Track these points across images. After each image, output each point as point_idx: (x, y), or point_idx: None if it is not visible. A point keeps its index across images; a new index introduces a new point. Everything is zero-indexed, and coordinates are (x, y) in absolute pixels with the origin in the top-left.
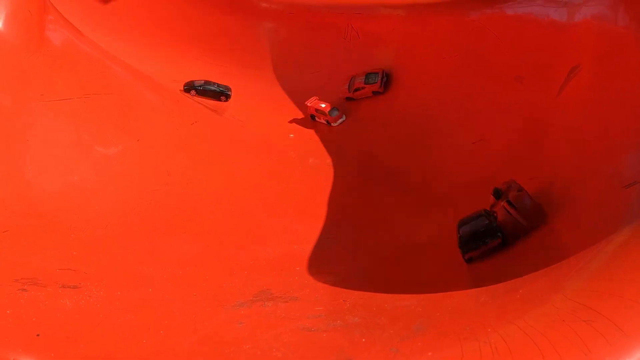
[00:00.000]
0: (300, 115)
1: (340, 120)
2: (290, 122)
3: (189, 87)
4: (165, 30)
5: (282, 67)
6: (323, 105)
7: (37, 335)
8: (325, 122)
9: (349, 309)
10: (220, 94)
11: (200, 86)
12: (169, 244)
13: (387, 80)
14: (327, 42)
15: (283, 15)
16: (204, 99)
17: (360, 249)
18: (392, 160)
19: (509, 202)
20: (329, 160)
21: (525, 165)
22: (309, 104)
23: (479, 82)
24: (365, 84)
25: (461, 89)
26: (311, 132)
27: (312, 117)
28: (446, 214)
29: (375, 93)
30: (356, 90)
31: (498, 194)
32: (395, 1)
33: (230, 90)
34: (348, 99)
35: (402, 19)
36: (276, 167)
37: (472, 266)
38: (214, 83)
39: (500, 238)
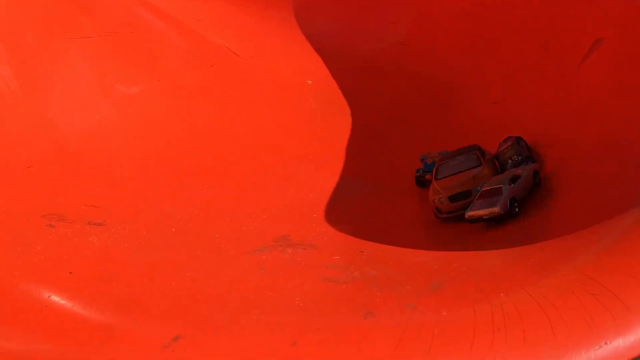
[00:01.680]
0: (319, 60)
1: None
2: (309, 66)
3: None
4: None
5: (303, 10)
6: None
7: (70, 273)
8: None
9: (367, 261)
10: None
11: None
12: (189, 185)
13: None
14: None
15: None
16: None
17: (377, 202)
18: (412, 115)
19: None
20: (348, 110)
21: (544, 131)
22: None
23: (502, 44)
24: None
25: (484, 49)
26: (330, 79)
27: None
28: None
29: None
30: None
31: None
32: None
33: None
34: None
35: None
36: (296, 114)
37: (487, 230)
38: None
39: None
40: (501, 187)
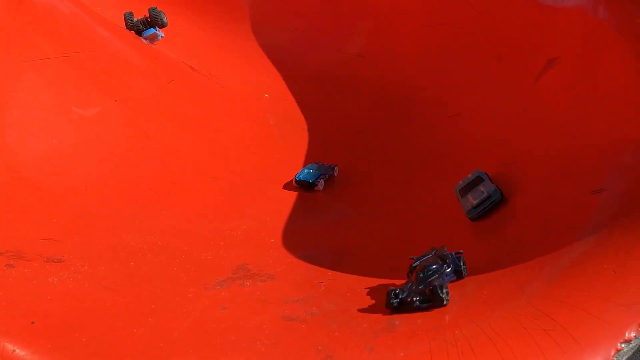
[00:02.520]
0: (276, 73)
1: None
2: (267, 80)
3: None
4: None
5: (260, 23)
6: None
7: (32, 322)
8: None
9: (324, 292)
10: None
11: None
12: (148, 211)
13: None
14: (307, 0)
15: None
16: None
17: (335, 223)
18: (370, 129)
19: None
20: (305, 125)
21: (498, 147)
22: None
23: (459, 56)
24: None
25: (441, 61)
26: (287, 93)
27: None
28: (418, 183)
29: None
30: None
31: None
32: None
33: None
34: None
35: None
36: (253, 131)
37: None
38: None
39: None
40: None
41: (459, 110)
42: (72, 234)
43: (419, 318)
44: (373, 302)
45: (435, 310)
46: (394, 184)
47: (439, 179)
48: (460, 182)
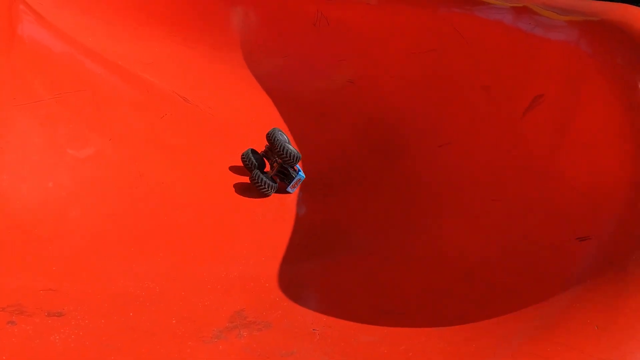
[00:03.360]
0: (269, 101)
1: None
2: (259, 109)
3: None
4: (131, 8)
5: (250, 50)
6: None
7: None
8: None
9: (319, 342)
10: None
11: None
12: (143, 255)
13: None
14: (297, 28)
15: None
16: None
17: (330, 264)
18: (360, 159)
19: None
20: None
21: (489, 184)
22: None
23: (448, 86)
24: None
25: (428, 90)
26: (279, 119)
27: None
28: (410, 216)
29: None
30: None
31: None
32: None
33: None
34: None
35: (372, 8)
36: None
37: (436, 303)
38: None
39: None
40: None
41: (448, 139)
42: (71, 282)
43: None
44: (366, 352)
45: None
46: (387, 218)
47: (432, 214)
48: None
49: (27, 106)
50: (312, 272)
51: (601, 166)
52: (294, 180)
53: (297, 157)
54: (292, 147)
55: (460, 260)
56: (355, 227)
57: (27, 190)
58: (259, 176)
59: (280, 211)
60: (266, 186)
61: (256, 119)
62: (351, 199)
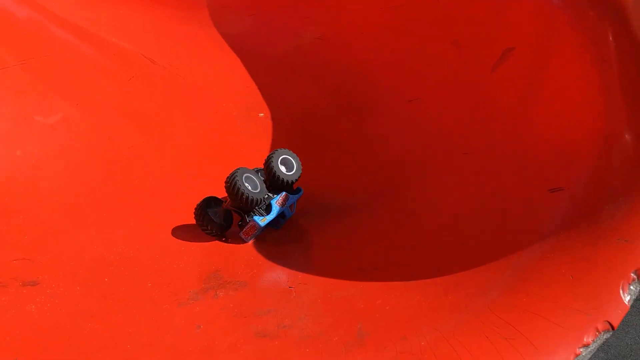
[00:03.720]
0: (237, 61)
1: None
2: (227, 69)
3: None
4: None
5: (217, 9)
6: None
7: None
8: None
9: (295, 300)
10: None
11: None
12: (116, 221)
13: None
14: None
15: None
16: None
17: (303, 218)
18: (332, 116)
19: None
20: (269, 114)
21: (458, 137)
22: None
23: (417, 42)
24: None
25: (398, 47)
26: (249, 81)
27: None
28: (382, 175)
29: None
30: None
31: None
32: None
33: None
34: None
35: None
36: (217, 125)
37: (409, 258)
38: None
39: None
40: None
41: (418, 95)
42: (44, 251)
43: (387, 329)
44: (342, 307)
45: (404, 318)
46: (359, 178)
47: (403, 171)
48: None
49: None
50: (286, 232)
51: (573, 119)
52: (247, 226)
53: (256, 202)
54: (253, 191)
55: (433, 216)
56: (327, 187)
57: None
58: (200, 211)
59: (253, 163)
60: (209, 228)
61: (224, 79)
62: (322, 157)
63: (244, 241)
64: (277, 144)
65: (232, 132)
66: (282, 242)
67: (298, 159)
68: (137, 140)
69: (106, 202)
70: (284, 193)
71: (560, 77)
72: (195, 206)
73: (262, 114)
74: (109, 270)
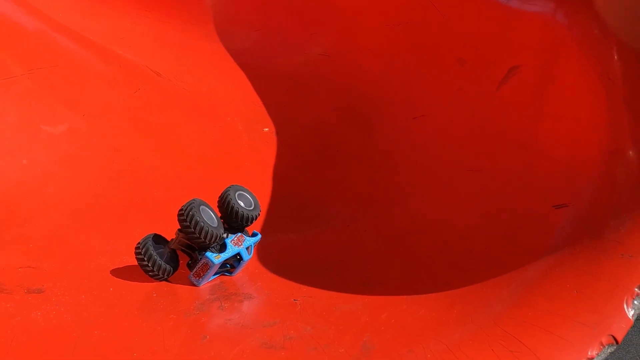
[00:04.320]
0: (242, 75)
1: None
2: (233, 83)
3: None
4: None
5: (223, 24)
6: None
7: None
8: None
9: (300, 312)
10: None
11: None
12: (122, 230)
13: None
14: (269, 1)
15: None
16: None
17: (309, 232)
18: (336, 131)
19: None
20: (274, 129)
21: (465, 155)
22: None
23: (422, 60)
24: None
25: (403, 64)
26: (254, 96)
27: None
28: (387, 189)
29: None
30: None
31: None
32: None
33: None
34: None
35: None
36: (222, 138)
37: (415, 272)
38: None
39: None
40: None
41: (423, 111)
42: (49, 259)
43: (392, 341)
44: (348, 321)
45: (410, 331)
46: (365, 191)
47: (410, 186)
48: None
49: (1, 83)
50: (291, 244)
51: (578, 136)
52: (198, 265)
53: (213, 237)
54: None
55: (439, 231)
56: (333, 200)
57: (2, 168)
58: (147, 252)
59: (256, 184)
60: (155, 269)
61: (230, 93)
62: (327, 172)
63: (194, 284)
64: (282, 158)
65: (236, 146)
66: (287, 255)
67: (254, 195)
68: (143, 152)
69: (111, 211)
70: (239, 234)
71: (566, 94)
72: (137, 243)
73: (267, 129)
74: (113, 280)
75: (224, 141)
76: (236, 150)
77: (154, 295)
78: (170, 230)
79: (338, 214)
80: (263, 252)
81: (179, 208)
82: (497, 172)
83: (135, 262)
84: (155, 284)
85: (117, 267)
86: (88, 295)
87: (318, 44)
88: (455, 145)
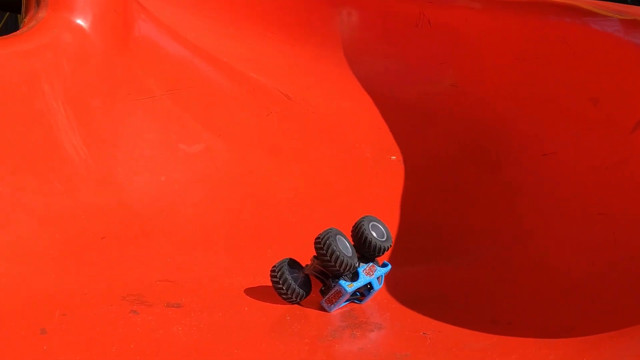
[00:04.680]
0: (370, 102)
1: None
2: (362, 109)
3: None
4: (234, 5)
5: (352, 50)
6: None
7: None
8: None
9: (430, 346)
10: None
11: None
12: (254, 251)
13: None
14: (399, 29)
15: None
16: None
17: (434, 264)
18: (462, 163)
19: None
20: (400, 157)
21: (598, 198)
22: None
23: (553, 95)
24: None
25: (532, 99)
26: (382, 123)
27: None
28: (511, 226)
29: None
30: None
31: None
32: None
33: None
34: None
35: (477, 12)
36: (350, 164)
37: (542, 314)
38: None
39: None
40: None
41: (553, 149)
42: (184, 274)
43: None
44: (477, 359)
45: None
46: (490, 228)
47: (536, 225)
48: None
49: (140, 102)
50: (418, 276)
51: None
52: (331, 292)
53: (348, 266)
54: (346, 254)
55: (564, 274)
56: (458, 235)
57: (141, 184)
58: (283, 276)
59: (384, 213)
60: (289, 292)
61: (356, 119)
62: (451, 206)
63: (325, 310)
64: (408, 188)
65: (365, 173)
66: (414, 287)
67: (387, 227)
68: (275, 174)
69: (243, 231)
70: (371, 263)
71: None
72: (273, 266)
73: (394, 157)
74: (247, 299)
75: (353, 167)
76: (365, 177)
77: (287, 318)
78: (298, 254)
79: (463, 249)
80: (390, 283)
81: (313, 235)
82: (626, 218)
83: (268, 283)
84: (288, 306)
85: (250, 286)
86: (224, 313)
87: (446, 75)
88: (584, 186)
